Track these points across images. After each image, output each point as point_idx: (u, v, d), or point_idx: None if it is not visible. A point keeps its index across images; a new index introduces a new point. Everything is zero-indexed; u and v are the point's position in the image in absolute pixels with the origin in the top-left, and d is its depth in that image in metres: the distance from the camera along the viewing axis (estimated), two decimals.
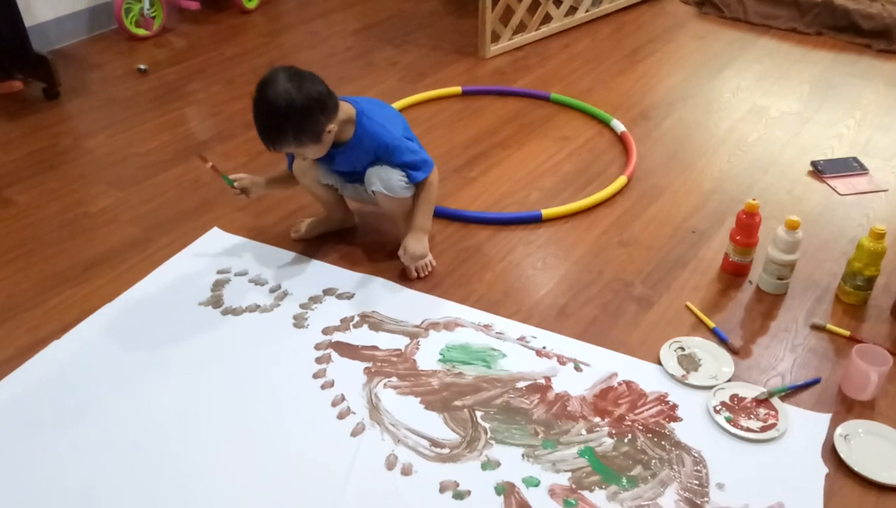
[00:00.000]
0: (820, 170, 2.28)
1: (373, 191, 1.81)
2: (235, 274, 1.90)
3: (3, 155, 2.40)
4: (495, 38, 3.05)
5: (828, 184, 2.23)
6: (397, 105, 2.62)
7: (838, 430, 1.47)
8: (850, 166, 2.30)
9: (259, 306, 1.80)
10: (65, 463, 1.43)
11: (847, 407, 1.54)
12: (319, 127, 1.67)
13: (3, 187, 2.25)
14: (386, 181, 1.78)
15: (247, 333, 1.73)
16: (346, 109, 1.75)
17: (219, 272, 1.91)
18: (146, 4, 3.13)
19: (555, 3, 3.20)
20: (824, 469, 1.41)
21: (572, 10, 3.28)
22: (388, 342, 1.70)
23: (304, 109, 1.63)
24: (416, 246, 1.84)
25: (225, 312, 1.78)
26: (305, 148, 1.70)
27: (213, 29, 3.32)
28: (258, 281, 1.88)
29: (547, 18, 3.20)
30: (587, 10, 3.32)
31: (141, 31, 3.19)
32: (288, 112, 1.62)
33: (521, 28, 3.14)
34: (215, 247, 1.99)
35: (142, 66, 2.94)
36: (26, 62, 2.71)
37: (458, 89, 2.76)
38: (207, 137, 2.51)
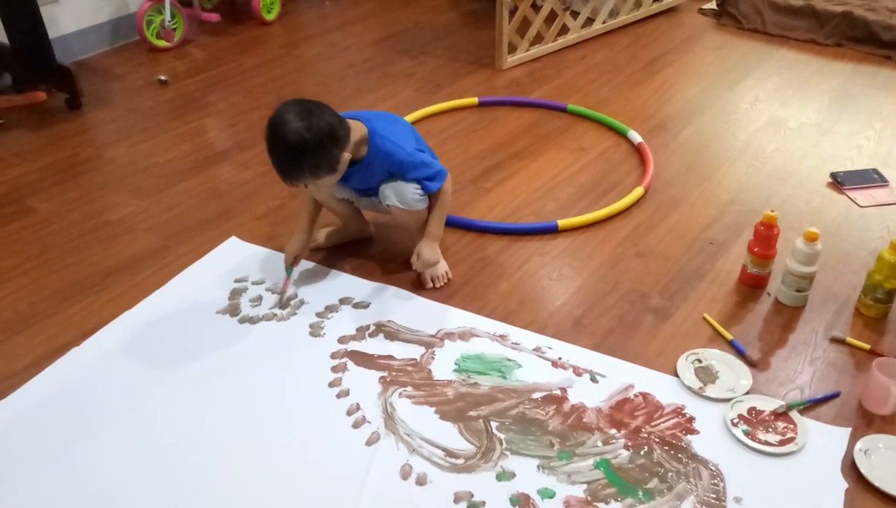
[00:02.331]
0: (839, 182, 2.26)
1: (387, 205, 1.81)
2: (253, 283, 1.91)
3: (26, 164, 2.44)
4: (512, 49, 3.06)
5: (847, 196, 2.21)
6: (414, 116, 2.64)
7: (858, 445, 1.45)
8: (869, 178, 2.28)
9: (276, 315, 1.81)
10: (82, 471, 1.45)
11: (867, 421, 1.52)
12: (334, 159, 1.67)
13: (25, 196, 2.28)
14: (400, 195, 1.78)
15: (263, 342, 1.74)
16: (358, 129, 1.74)
17: (236, 281, 1.92)
18: (167, 16, 3.18)
19: (572, 15, 3.21)
20: (844, 484, 1.39)
21: (589, 21, 3.29)
22: (403, 351, 1.70)
23: (318, 145, 1.62)
24: (429, 253, 1.84)
25: (242, 320, 1.80)
26: (322, 179, 1.71)
27: (232, 40, 3.36)
28: (275, 290, 1.89)
29: (564, 30, 3.21)
30: (604, 22, 3.32)
31: (162, 43, 3.23)
32: (302, 151, 1.61)
33: (538, 39, 3.15)
34: (233, 255, 2.01)
35: (162, 77, 2.98)
36: (50, 73, 2.76)
37: (474, 100, 2.77)
38: (226, 147, 2.54)
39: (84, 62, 3.14)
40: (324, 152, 1.64)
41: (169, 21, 3.19)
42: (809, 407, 1.55)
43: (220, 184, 2.33)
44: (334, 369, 1.66)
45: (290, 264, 1.89)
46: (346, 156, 1.69)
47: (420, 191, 1.80)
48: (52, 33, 2.83)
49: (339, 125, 1.67)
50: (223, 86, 2.95)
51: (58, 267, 1.98)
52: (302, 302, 1.85)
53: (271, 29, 3.49)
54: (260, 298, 1.86)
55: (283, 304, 1.83)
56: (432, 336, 1.75)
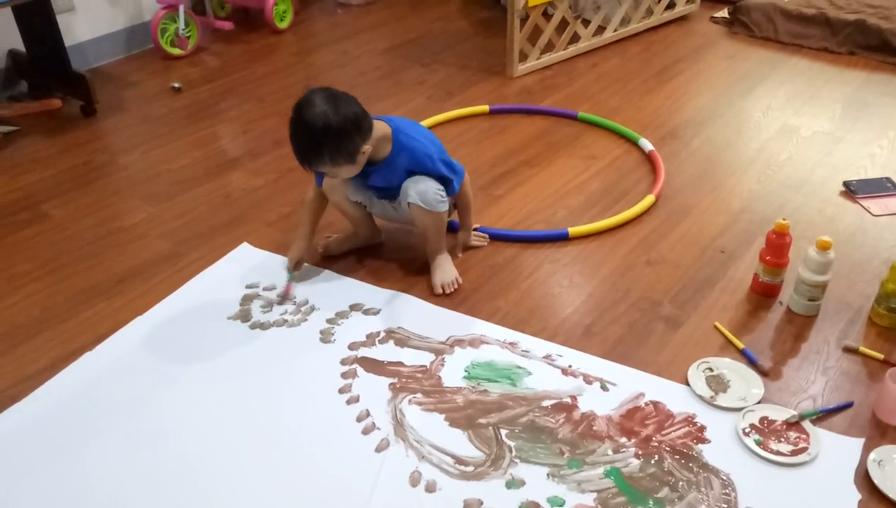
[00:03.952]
0: (852, 191, 2.25)
1: (409, 204, 1.82)
2: (264, 289, 1.92)
3: (41, 170, 2.47)
4: (523, 57, 3.07)
5: (860, 205, 2.20)
6: (425, 123, 2.64)
7: (872, 455, 1.44)
8: (883, 186, 2.27)
9: (286, 321, 1.82)
10: (93, 474, 1.45)
11: (881, 431, 1.51)
12: (355, 148, 1.69)
13: (40, 201, 2.31)
14: (423, 194, 1.79)
15: (274, 347, 1.74)
16: (381, 128, 1.77)
17: (247, 286, 1.93)
18: (181, 25, 3.21)
19: (583, 23, 3.21)
20: (857, 495, 1.38)
21: (600, 29, 3.29)
22: (413, 358, 1.71)
23: (341, 130, 1.65)
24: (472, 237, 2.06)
25: (253, 326, 1.80)
26: (340, 168, 1.73)
27: (245, 48, 3.39)
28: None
29: (575, 38, 3.22)
30: (615, 30, 3.32)
31: (176, 51, 3.26)
32: (325, 133, 1.64)
33: (549, 47, 3.15)
34: (244, 261, 2.02)
35: (176, 85, 3.00)
36: (65, 80, 2.79)
37: (485, 108, 2.77)
38: (239, 154, 2.55)
39: (99, 69, 3.17)
40: (347, 139, 1.67)
41: (183, 29, 3.22)
42: (822, 416, 1.54)
43: (232, 191, 2.35)
44: (344, 375, 1.66)
45: (293, 268, 1.92)
46: (367, 148, 1.71)
47: (442, 192, 1.81)
48: (68, 41, 2.86)
49: (363, 116, 1.71)
50: (236, 93, 2.97)
51: (71, 272, 2.00)
52: (312, 308, 1.85)
53: (284, 37, 3.52)
54: (271, 304, 1.87)
55: (282, 301, 1.88)
56: (442, 343, 1.75)
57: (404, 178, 1.82)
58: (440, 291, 1.88)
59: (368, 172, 1.80)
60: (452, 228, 2.07)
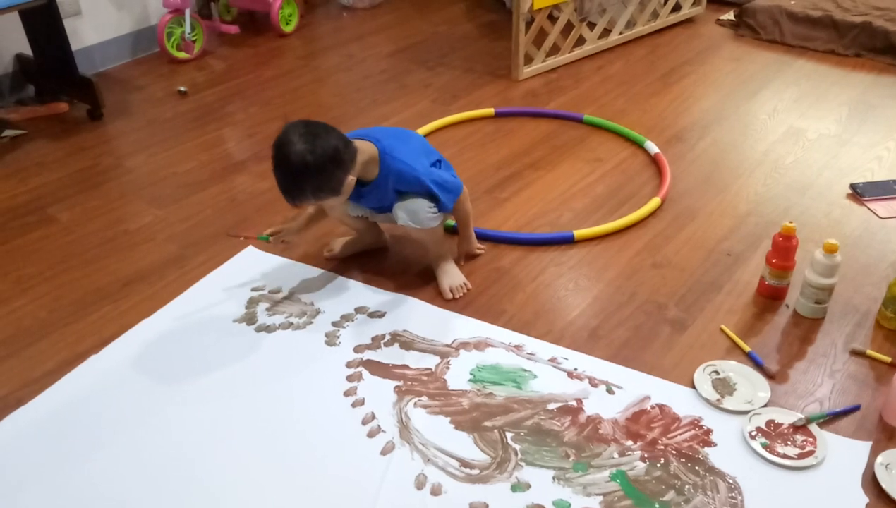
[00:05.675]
0: (859, 193, 2.24)
1: (401, 225, 1.82)
2: (269, 292, 1.92)
3: (48, 174, 2.48)
4: (528, 60, 3.07)
5: (867, 207, 2.19)
6: (430, 126, 2.65)
7: (879, 459, 1.43)
8: (890, 189, 2.26)
9: (292, 324, 1.82)
10: (99, 478, 1.46)
11: (888, 435, 1.50)
12: (337, 183, 1.67)
13: (47, 205, 2.32)
14: (413, 214, 1.78)
15: (279, 350, 1.75)
16: (367, 150, 1.73)
17: (253, 290, 1.93)
18: (187, 29, 3.22)
19: (588, 26, 3.22)
20: (864, 499, 1.37)
21: (606, 32, 3.29)
22: (418, 361, 1.71)
23: (321, 169, 1.62)
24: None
25: (258, 329, 1.81)
26: (324, 202, 1.72)
27: (251, 52, 3.40)
28: (291, 299, 1.89)
29: (580, 41, 3.22)
30: (621, 33, 3.32)
31: (182, 55, 3.27)
32: (304, 174, 1.61)
33: (555, 50, 3.15)
34: (250, 265, 2.02)
35: (182, 88, 3.01)
36: (72, 84, 2.80)
37: (490, 111, 2.78)
38: (244, 158, 2.56)
39: (106, 73, 3.18)
40: (326, 175, 1.64)
41: (189, 33, 3.23)
42: (829, 420, 1.53)
43: (238, 194, 2.35)
44: (349, 378, 1.66)
45: (270, 234, 1.89)
46: (351, 179, 1.69)
47: (434, 210, 1.79)
48: (75, 45, 2.87)
49: (343, 148, 1.66)
50: (241, 97, 2.98)
51: (78, 275, 2.01)
52: (318, 311, 1.85)
53: (289, 40, 3.53)
54: (276, 307, 1.87)
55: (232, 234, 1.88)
56: (447, 345, 1.74)
57: (395, 198, 1.80)
58: (450, 296, 1.88)
59: (360, 194, 1.78)
60: (454, 230, 2.06)
